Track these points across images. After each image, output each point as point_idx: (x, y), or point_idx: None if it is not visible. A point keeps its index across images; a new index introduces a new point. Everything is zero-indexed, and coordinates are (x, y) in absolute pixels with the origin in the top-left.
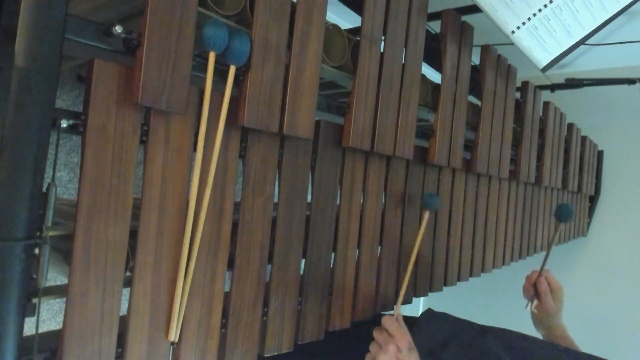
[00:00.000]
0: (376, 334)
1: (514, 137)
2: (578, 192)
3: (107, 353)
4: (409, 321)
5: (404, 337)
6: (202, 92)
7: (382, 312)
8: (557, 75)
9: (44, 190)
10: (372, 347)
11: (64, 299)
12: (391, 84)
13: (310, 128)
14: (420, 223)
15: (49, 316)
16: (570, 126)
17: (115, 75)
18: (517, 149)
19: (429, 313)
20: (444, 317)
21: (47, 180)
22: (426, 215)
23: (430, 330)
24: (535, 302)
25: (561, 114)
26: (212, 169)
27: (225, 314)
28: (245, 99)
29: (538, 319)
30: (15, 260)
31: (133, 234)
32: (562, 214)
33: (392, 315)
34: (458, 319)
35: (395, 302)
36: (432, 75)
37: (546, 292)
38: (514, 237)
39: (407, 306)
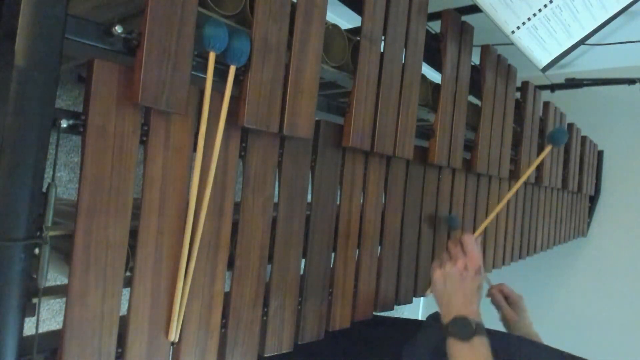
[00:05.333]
0: (451, 245)
1: (514, 137)
2: (578, 192)
3: (107, 353)
4: (414, 323)
5: (476, 260)
6: (202, 92)
7: (382, 313)
8: (557, 75)
9: (44, 190)
10: (443, 256)
11: (64, 299)
12: (391, 84)
13: (310, 128)
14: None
15: (49, 316)
16: (570, 126)
17: (115, 75)
18: (517, 149)
19: (436, 316)
20: None
21: (47, 180)
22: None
23: (437, 331)
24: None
25: (561, 114)
26: (212, 169)
27: (225, 314)
28: (245, 99)
29: (508, 330)
30: (15, 260)
31: (133, 234)
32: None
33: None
34: None
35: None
36: (432, 75)
37: (500, 303)
38: (514, 237)
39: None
